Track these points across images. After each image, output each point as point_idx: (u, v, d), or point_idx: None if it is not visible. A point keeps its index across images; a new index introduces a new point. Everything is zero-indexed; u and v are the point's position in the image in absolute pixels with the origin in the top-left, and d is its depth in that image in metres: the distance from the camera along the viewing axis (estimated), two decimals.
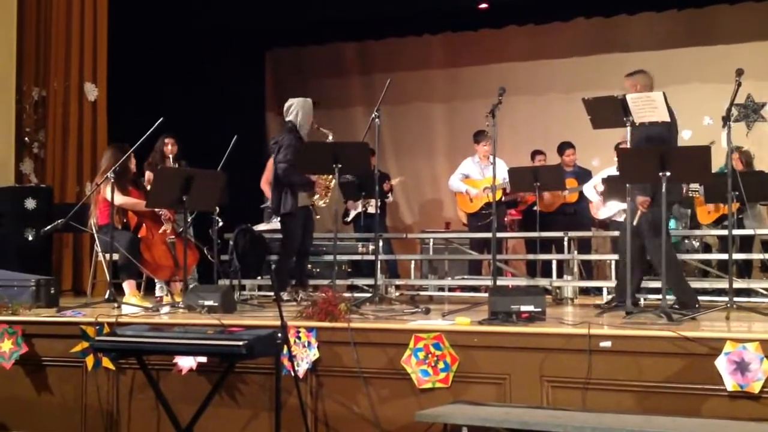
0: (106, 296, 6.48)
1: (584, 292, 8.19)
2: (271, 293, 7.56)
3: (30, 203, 8.25)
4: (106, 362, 5.35)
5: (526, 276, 8.58)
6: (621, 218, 7.37)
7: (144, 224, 6.95)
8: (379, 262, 7.19)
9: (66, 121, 9.18)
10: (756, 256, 7.65)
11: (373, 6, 10.42)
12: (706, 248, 8.50)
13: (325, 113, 9.41)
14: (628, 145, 5.97)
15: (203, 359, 5.07)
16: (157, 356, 4.97)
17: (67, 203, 8.41)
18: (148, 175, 7.49)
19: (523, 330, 4.72)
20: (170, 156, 7.81)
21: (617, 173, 5.99)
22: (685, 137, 8.76)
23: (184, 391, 5.12)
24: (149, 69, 10.15)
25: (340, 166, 6.37)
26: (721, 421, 4.12)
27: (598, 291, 7.94)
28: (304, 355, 4.96)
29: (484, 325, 4.89)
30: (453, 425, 4.31)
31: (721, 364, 4.21)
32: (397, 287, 8.58)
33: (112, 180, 6.43)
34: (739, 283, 6.91)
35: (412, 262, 9.26)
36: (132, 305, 6.32)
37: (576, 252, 7.87)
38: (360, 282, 8.00)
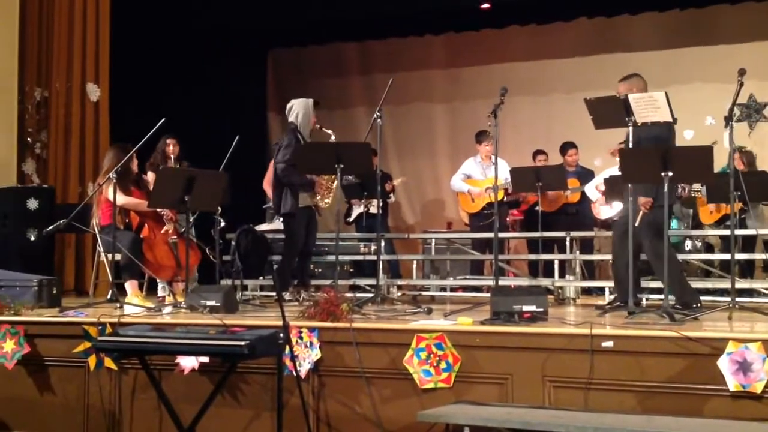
0: (109, 296, 6.47)
1: (586, 292, 8.19)
2: (273, 293, 7.57)
3: (32, 203, 8.23)
4: (109, 362, 5.35)
5: (528, 276, 8.58)
6: None
7: (146, 224, 6.94)
8: (381, 262, 7.18)
9: (68, 122, 9.18)
10: (758, 256, 7.65)
11: (374, 6, 10.41)
12: (709, 248, 8.49)
13: (326, 113, 9.40)
14: (626, 146, 5.95)
15: (205, 359, 5.05)
16: (160, 356, 4.96)
17: (69, 203, 8.40)
18: (150, 175, 7.49)
19: (525, 330, 4.71)
20: (172, 156, 7.82)
21: (619, 173, 5.99)
22: (687, 137, 8.78)
23: (186, 391, 5.11)
24: (151, 69, 10.17)
25: (342, 166, 6.36)
26: (723, 421, 4.10)
27: (600, 291, 7.92)
28: (306, 355, 4.95)
29: (486, 325, 4.89)
30: (455, 425, 4.30)
31: (724, 364, 4.20)
32: (399, 287, 8.58)
33: (114, 180, 6.42)
34: (741, 283, 6.91)
35: (414, 262, 9.26)
36: (134, 305, 6.30)
37: (578, 252, 7.88)
38: (362, 282, 8.02)
